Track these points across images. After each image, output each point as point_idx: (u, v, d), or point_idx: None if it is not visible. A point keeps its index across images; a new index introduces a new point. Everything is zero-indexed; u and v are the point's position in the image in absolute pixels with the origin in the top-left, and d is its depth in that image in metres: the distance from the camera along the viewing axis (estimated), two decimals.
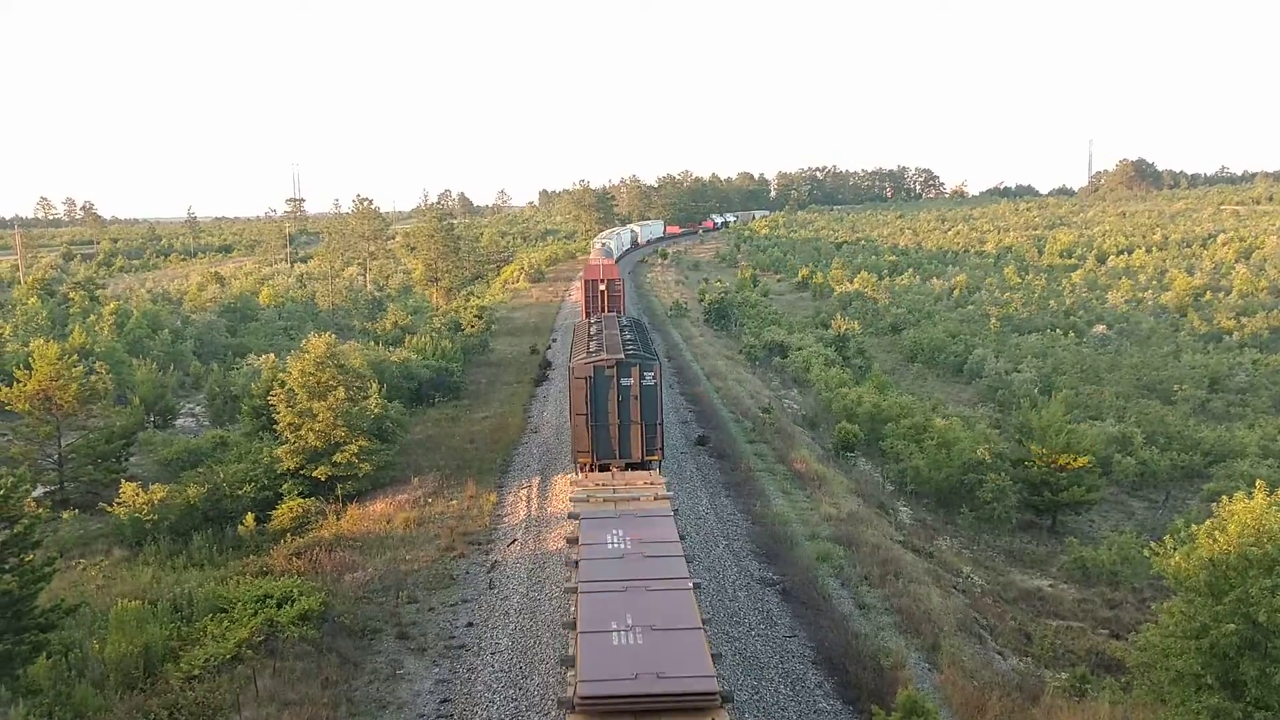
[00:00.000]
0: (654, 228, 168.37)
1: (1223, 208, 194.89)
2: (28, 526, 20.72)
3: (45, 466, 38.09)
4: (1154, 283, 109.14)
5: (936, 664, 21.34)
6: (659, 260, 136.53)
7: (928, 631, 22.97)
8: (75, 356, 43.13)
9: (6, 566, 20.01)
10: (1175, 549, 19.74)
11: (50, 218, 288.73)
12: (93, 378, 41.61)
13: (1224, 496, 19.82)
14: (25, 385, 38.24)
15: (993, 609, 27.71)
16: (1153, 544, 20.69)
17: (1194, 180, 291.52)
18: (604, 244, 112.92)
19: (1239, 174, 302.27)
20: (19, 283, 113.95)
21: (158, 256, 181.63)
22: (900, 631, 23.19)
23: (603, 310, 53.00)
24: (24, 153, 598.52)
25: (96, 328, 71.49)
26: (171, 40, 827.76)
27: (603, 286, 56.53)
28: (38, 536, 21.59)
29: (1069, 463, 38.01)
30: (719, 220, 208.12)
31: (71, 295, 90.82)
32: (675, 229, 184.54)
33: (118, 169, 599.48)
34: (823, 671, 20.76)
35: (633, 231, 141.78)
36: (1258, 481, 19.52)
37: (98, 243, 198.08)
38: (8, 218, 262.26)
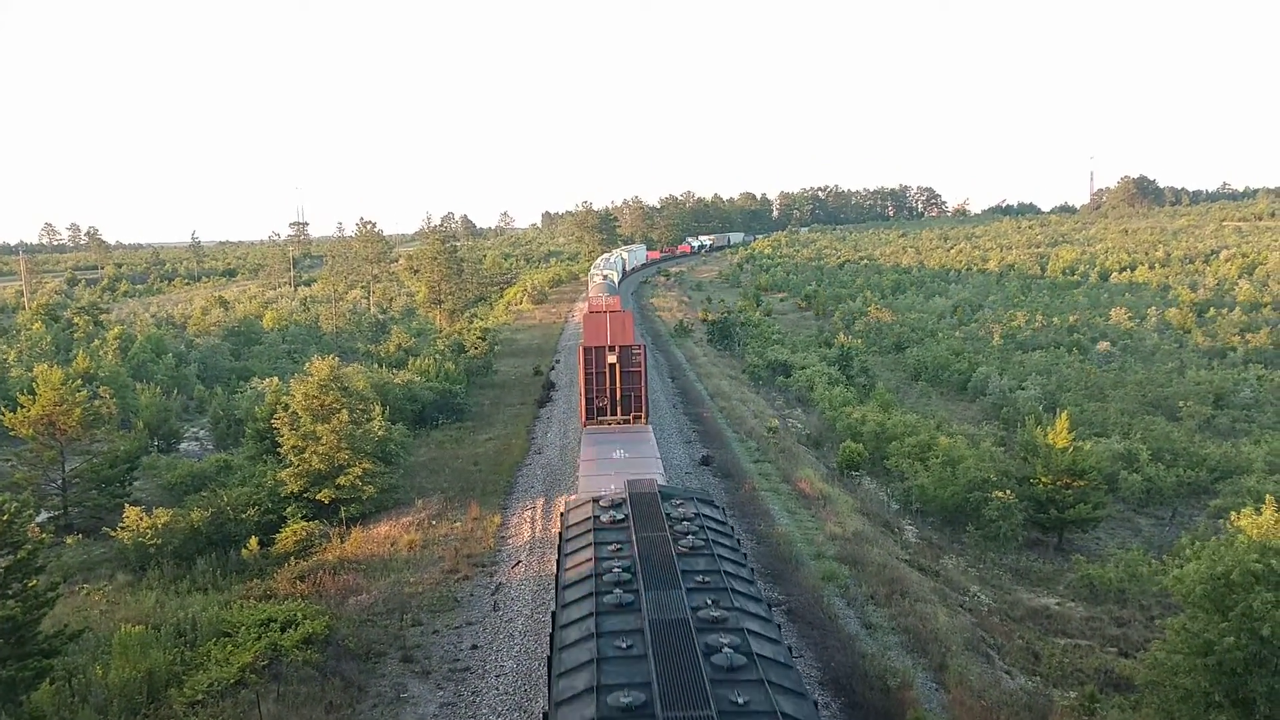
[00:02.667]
0: (638, 253, 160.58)
1: (1225, 224, 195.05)
2: (31, 552, 20.69)
3: (49, 491, 38.08)
4: (1157, 299, 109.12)
5: (944, 683, 21.21)
6: (661, 280, 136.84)
7: (935, 651, 22.84)
8: (79, 381, 43.22)
9: (10, 592, 19.97)
10: (1181, 565, 19.65)
11: (55, 243, 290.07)
12: (96, 402, 41.71)
13: (1233, 512, 19.74)
14: (29, 410, 38.28)
15: (1000, 628, 27.55)
16: (1158, 560, 20.61)
17: (1196, 197, 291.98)
18: (605, 275, 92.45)
19: (1240, 190, 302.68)
20: (23, 308, 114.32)
21: (162, 281, 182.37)
22: (907, 651, 23.05)
23: (611, 399, 35.43)
24: (29, 179, 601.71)
25: (100, 352, 71.61)
26: (175, 66, 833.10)
27: (612, 359, 35.22)
28: (41, 562, 21.56)
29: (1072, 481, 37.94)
30: (695, 244, 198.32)
31: (76, 320, 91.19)
32: (655, 254, 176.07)
33: (122, 194, 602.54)
34: (830, 692, 20.63)
35: (622, 259, 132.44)
36: (1267, 498, 19.41)
37: (102, 268, 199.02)
38: (12, 243, 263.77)
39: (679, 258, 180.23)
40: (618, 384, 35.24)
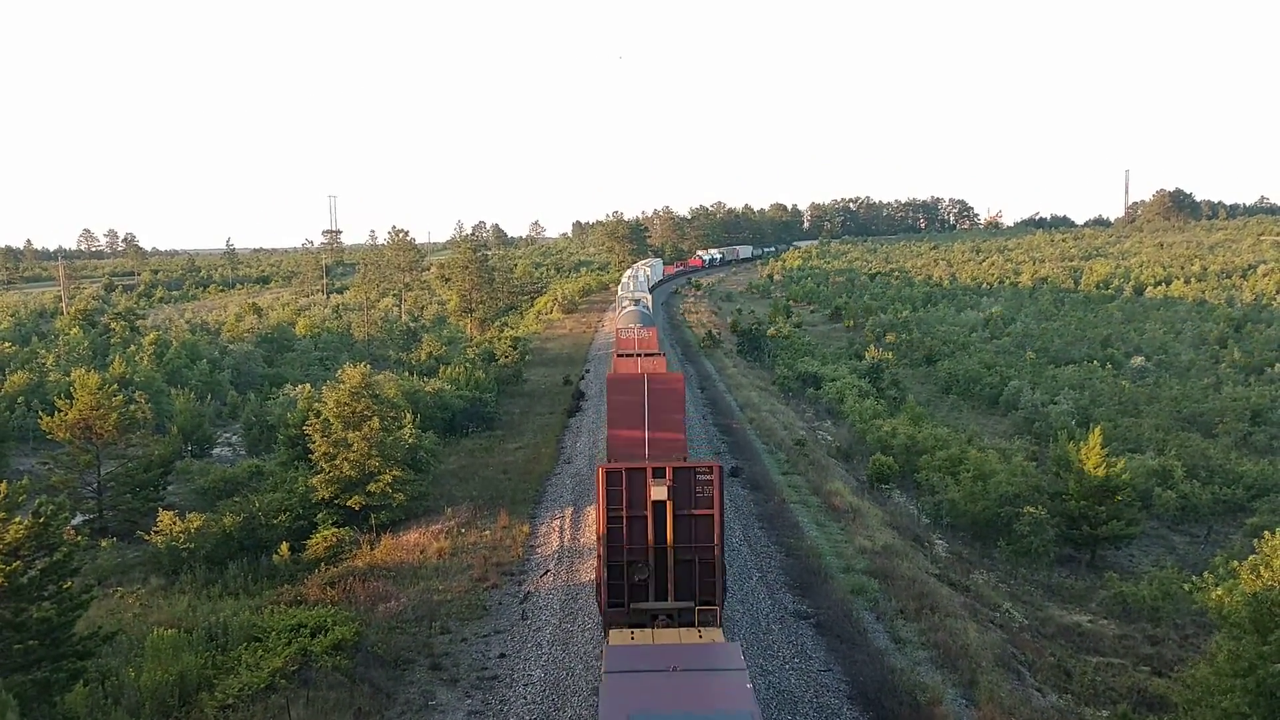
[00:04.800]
0: (657, 268, 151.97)
1: (1263, 238, 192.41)
2: (66, 554, 20.94)
3: (84, 495, 38.54)
4: (1193, 314, 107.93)
5: (974, 700, 21.01)
6: (691, 290, 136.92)
7: (965, 667, 22.63)
8: (115, 386, 43.71)
9: (45, 594, 20.22)
10: (1217, 584, 19.40)
11: (93, 250, 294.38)
12: (132, 407, 42.18)
13: (1268, 532, 19.48)
14: (66, 414, 38.79)
15: (1031, 644, 27.28)
16: (1194, 579, 20.36)
17: (1233, 210, 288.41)
18: (637, 299, 73.72)
19: (1279, 204, 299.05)
20: (62, 313, 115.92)
21: (197, 287, 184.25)
22: (937, 666, 22.87)
23: (658, 567, 19.65)
24: (68, 185, 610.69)
25: (136, 358, 72.44)
26: (213, 74, 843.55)
27: (659, 492, 19.40)
28: (76, 564, 21.83)
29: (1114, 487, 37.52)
30: (706, 258, 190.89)
31: (112, 325, 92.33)
32: (671, 269, 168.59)
33: (159, 201, 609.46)
34: (858, 707, 20.49)
35: (646, 274, 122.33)
36: None
37: (138, 274, 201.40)
38: (52, 249, 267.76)
39: (691, 271, 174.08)
40: (668, 536, 19.36)
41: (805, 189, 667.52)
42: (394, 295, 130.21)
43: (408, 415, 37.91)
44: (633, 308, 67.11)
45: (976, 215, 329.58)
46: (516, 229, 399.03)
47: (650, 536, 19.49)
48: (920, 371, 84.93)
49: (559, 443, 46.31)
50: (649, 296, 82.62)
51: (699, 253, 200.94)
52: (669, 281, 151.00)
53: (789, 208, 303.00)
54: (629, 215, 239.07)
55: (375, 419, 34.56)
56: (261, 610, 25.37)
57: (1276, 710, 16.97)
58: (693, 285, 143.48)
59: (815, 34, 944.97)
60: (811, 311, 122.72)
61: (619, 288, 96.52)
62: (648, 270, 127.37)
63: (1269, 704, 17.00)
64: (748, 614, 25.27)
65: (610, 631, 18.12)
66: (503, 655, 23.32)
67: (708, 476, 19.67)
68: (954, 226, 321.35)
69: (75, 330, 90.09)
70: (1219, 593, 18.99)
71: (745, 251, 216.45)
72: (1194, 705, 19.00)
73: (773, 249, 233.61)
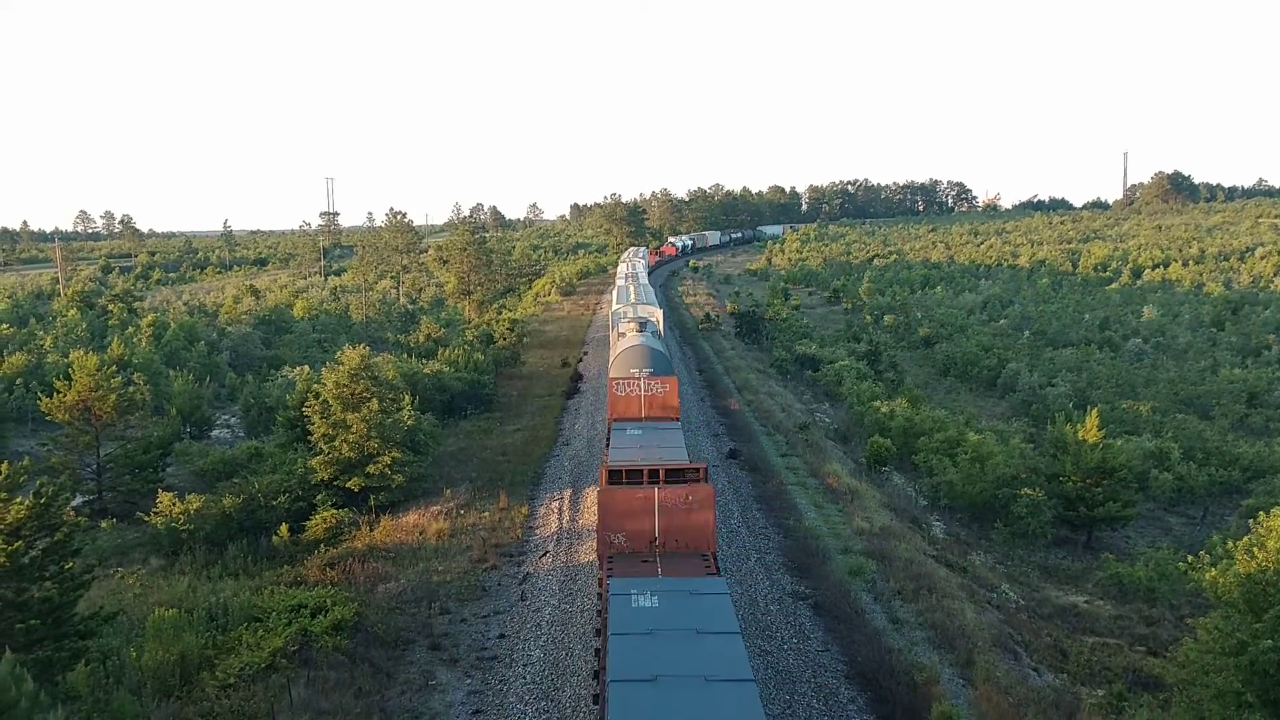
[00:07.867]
0: (644, 258, 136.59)
1: (1261, 220, 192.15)
2: (67, 535, 21.01)
3: (84, 476, 38.58)
4: (1190, 296, 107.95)
5: (971, 680, 21.15)
6: (690, 274, 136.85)
7: (962, 647, 22.78)
8: (114, 368, 43.67)
9: (47, 574, 20.29)
10: (1213, 564, 19.51)
11: (89, 231, 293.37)
12: (131, 389, 42.14)
13: (1262, 513, 19.57)
14: (65, 396, 38.79)
15: (1027, 625, 27.45)
16: (1188, 559, 20.47)
17: (1231, 193, 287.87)
18: (643, 319, 47.57)
19: (1277, 186, 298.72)
20: (59, 295, 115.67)
21: (194, 269, 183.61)
22: (934, 647, 23.00)
23: None
24: (64, 167, 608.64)
25: (134, 340, 72.34)
26: (210, 56, 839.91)
27: None
28: (77, 545, 21.90)
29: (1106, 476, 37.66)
30: (679, 244, 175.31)
31: (110, 307, 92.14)
32: (653, 258, 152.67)
33: (156, 183, 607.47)
34: (856, 686, 20.63)
35: (645, 268, 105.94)
36: None
37: (136, 256, 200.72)
38: (48, 231, 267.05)
39: (668, 261, 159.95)
40: None
41: (803, 171, 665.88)
42: (392, 277, 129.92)
43: (406, 397, 37.95)
44: (637, 337, 42.06)
45: (974, 198, 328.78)
46: (514, 211, 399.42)
47: None
48: (918, 354, 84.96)
49: (557, 424, 46.39)
50: (659, 312, 53.73)
51: (671, 239, 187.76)
52: (651, 273, 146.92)
53: (787, 190, 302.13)
54: (627, 197, 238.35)
55: (374, 401, 34.62)
56: (261, 591, 25.49)
57: (1270, 688, 17.10)
58: (691, 269, 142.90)
59: (814, 16, 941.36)
60: (809, 294, 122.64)
61: (614, 292, 73.35)
62: (643, 264, 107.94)
63: (1263, 681, 17.12)
64: (746, 594, 25.42)
65: None
66: (502, 636, 23.46)
67: None
68: (952, 209, 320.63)
69: (73, 312, 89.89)
70: (1212, 573, 19.10)
71: (714, 238, 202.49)
72: (1189, 684, 19.14)
73: (740, 234, 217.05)
